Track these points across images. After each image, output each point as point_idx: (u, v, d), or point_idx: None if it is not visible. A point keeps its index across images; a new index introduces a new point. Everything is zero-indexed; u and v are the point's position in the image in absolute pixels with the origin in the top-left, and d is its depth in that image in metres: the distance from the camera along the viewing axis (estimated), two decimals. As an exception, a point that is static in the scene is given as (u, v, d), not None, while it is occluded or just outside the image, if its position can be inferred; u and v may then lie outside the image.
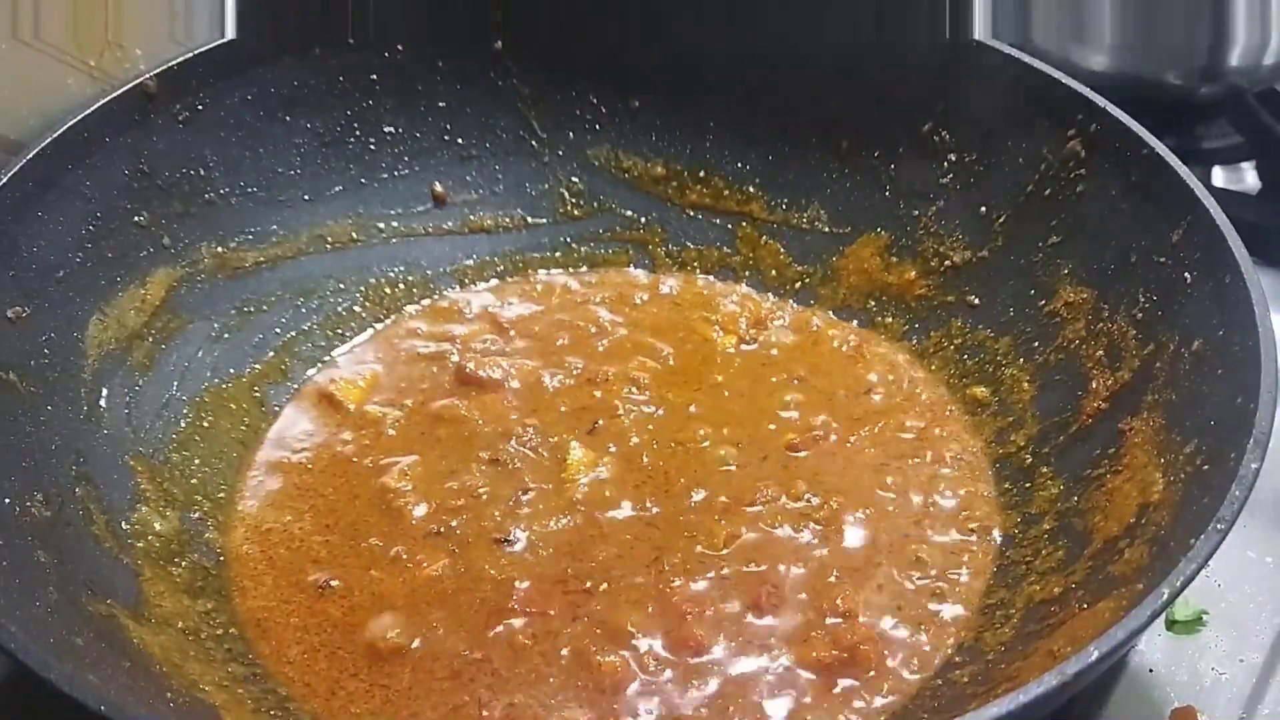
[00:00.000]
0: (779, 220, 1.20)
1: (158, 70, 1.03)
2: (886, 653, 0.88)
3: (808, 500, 0.99)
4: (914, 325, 1.14)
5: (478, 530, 0.97)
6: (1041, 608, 0.87)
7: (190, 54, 1.05)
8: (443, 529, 0.97)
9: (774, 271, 1.20)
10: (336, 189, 1.16)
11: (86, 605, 0.81)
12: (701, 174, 1.21)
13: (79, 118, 0.98)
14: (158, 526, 0.95)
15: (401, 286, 1.18)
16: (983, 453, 1.04)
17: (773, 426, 1.06)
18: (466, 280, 1.20)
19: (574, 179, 1.22)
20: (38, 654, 0.70)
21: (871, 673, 0.87)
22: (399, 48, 1.15)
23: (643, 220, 1.23)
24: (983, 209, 1.10)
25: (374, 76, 1.15)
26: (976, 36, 1.07)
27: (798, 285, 1.19)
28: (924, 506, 0.99)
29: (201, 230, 1.08)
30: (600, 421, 1.05)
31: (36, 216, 0.94)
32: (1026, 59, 1.05)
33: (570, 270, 1.22)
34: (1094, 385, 0.97)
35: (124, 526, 0.92)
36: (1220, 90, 1.32)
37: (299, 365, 1.11)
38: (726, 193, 1.21)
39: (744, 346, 1.14)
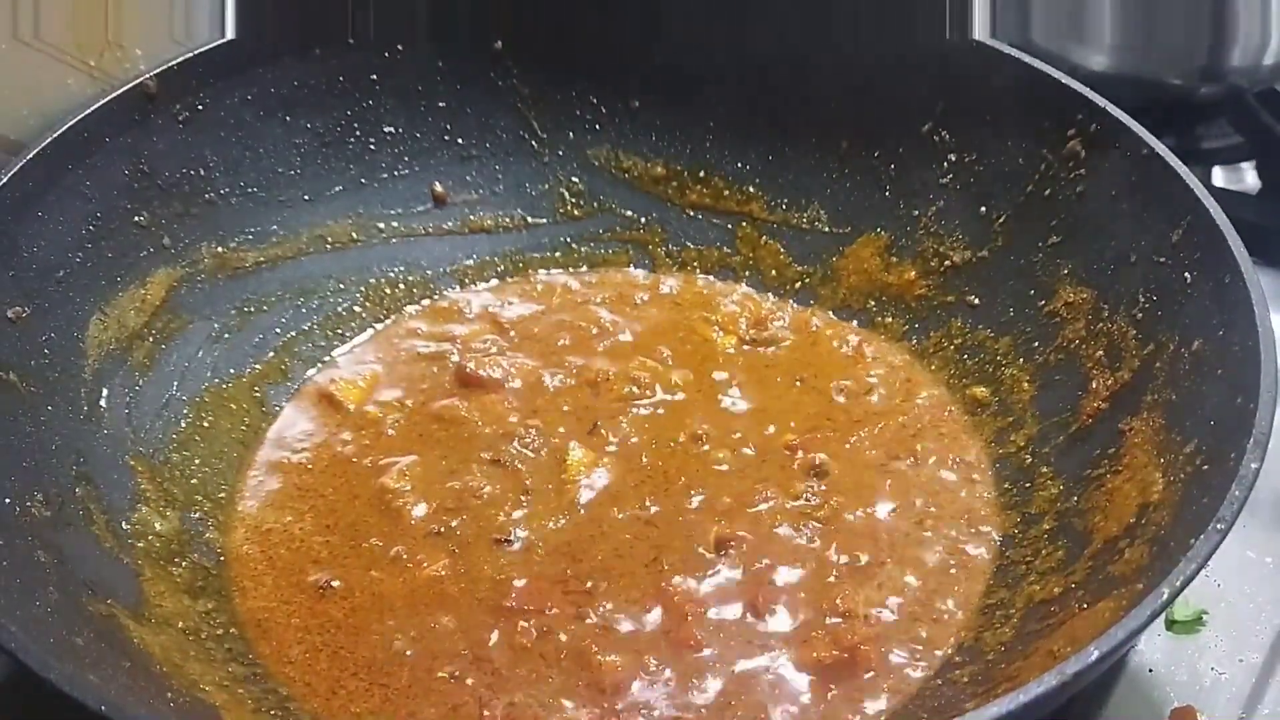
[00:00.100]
0: (779, 220, 1.20)
1: (158, 70, 1.03)
2: (886, 653, 0.88)
3: (807, 500, 0.99)
4: (914, 325, 1.14)
5: (478, 530, 0.97)
6: (1041, 608, 0.87)
7: (190, 54, 1.05)
8: (443, 529, 0.97)
9: (774, 271, 1.19)
10: (336, 189, 1.16)
11: (87, 605, 0.81)
12: (701, 174, 1.21)
13: (79, 118, 0.98)
14: (158, 526, 0.95)
15: (401, 286, 1.18)
16: (982, 453, 1.04)
17: (772, 427, 1.05)
18: (466, 280, 1.20)
19: (574, 179, 1.22)
20: (38, 654, 0.70)
21: (871, 673, 0.87)
22: (399, 48, 1.15)
23: (643, 220, 1.22)
24: (983, 209, 1.10)
25: (374, 76, 1.15)
26: (976, 36, 1.07)
27: (798, 285, 1.19)
28: (924, 506, 0.99)
29: (201, 230, 1.08)
30: (600, 422, 1.05)
31: (36, 216, 0.94)
32: (1026, 59, 1.05)
33: (570, 270, 1.22)
34: (1094, 385, 0.97)
35: (124, 526, 0.92)
36: (1220, 90, 1.32)
37: (299, 365, 1.11)
38: (726, 193, 1.21)
39: (744, 346, 1.14)
